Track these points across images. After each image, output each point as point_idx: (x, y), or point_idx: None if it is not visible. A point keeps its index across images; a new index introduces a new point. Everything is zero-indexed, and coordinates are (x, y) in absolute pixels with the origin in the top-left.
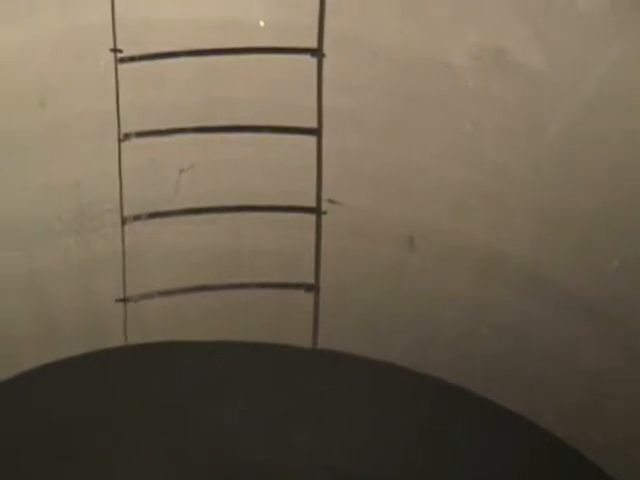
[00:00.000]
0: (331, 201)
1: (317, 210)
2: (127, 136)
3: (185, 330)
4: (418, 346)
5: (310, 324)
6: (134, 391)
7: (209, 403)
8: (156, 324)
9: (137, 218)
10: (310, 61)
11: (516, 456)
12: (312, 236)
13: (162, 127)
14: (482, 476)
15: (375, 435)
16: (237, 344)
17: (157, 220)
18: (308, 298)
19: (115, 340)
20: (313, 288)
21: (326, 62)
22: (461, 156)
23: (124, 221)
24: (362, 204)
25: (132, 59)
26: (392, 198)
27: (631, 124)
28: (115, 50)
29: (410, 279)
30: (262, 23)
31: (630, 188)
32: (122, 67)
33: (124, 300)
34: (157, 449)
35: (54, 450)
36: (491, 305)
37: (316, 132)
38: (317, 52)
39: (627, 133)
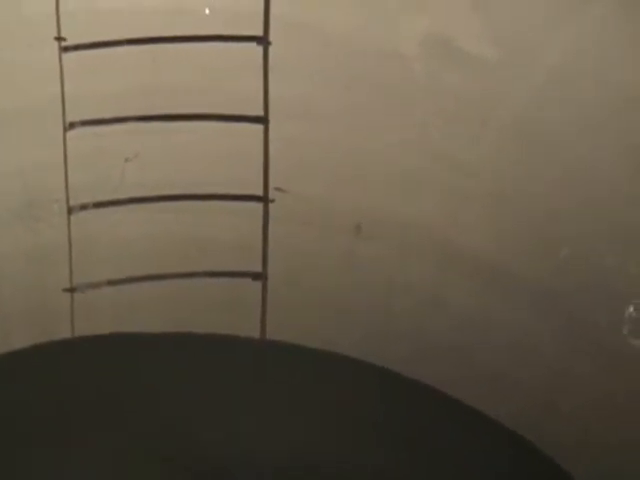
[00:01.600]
0: (278, 189)
1: (264, 199)
2: (72, 125)
3: (133, 320)
4: (370, 337)
5: (258, 314)
6: (81, 384)
7: (156, 395)
8: (104, 314)
9: (83, 207)
10: (256, 49)
11: (471, 450)
12: (260, 225)
13: (107, 116)
14: (434, 468)
15: (324, 428)
16: (185, 335)
17: (103, 209)
18: (256, 287)
19: (63, 330)
20: (261, 277)
21: (273, 50)
22: (412, 145)
23: (70, 210)
24: (310, 192)
25: (76, 47)
26: (341, 186)
27: (581, 111)
28: (59, 39)
29: (361, 269)
30: (207, 11)
31: (581, 175)
32: (66, 56)
33: (71, 290)
34: (104, 442)
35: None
36: (447, 296)
37: (263, 120)
38: (263, 40)
39: (578, 121)
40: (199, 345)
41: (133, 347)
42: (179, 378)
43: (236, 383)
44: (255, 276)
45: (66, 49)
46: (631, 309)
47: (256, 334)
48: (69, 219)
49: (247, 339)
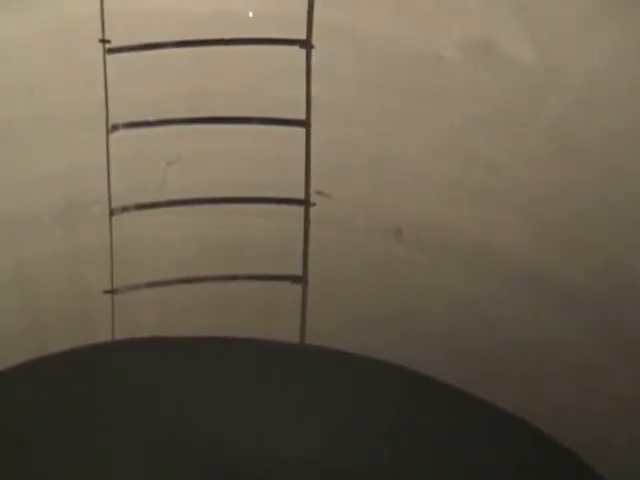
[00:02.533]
0: (319, 193)
1: (305, 202)
2: (115, 127)
3: (172, 323)
4: (406, 342)
5: (297, 318)
6: (121, 388)
7: (196, 400)
8: (144, 316)
9: (125, 209)
10: (299, 52)
11: (505, 454)
12: (300, 228)
13: (150, 118)
14: (472, 474)
15: (362, 432)
16: (224, 340)
17: (145, 212)
18: (296, 291)
19: (102, 333)
20: (301, 280)
21: (315, 53)
22: (450, 150)
23: (112, 212)
24: (351, 196)
25: (120, 50)
26: (381, 191)
27: (619, 117)
28: (104, 41)
29: (399, 273)
30: (251, 14)
31: (616, 181)
32: (110, 58)
33: (112, 292)
34: (145, 446)
35: (39, 446)
36: (481, 300)
37: (305, 124)
38: (306, 43)
39: (615, 126)
40: (238, 350)
41: (172, 351)
42: (218, 383)
43: (275, 388)
44: (295, 280)
45: (110, 51)
46: None
47: (295, 338)
48: (111, 221)
49: (286, 344)
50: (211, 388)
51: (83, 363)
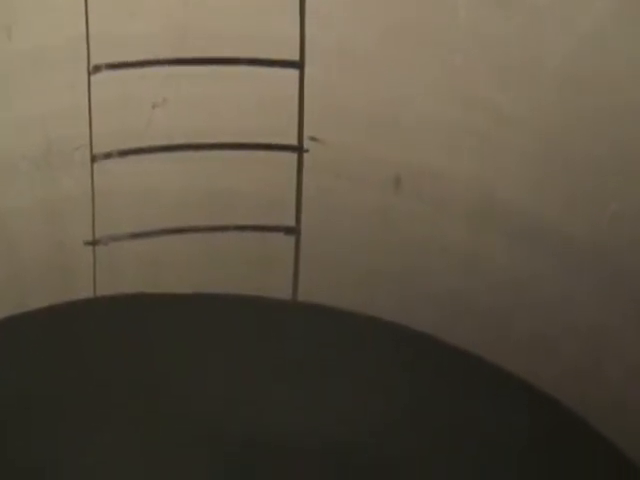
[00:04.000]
0: (313, 139)
1: (298, 148)
2: (97, 68)
3: (158, 277)
4: (405, 299)
5: (290, 271)
6: (103, 349)
7: (183, 362)
8: (127, 269)
9: (107, 156)
10: None
11: (512, 418)
12: (293, 176)
13: (134, 59)
14: (475, 439)
15: (359, 395)
16: (212, 297)
17: (128, 158)
18: (289, 242)
19: (83, 285)
20: (294, 231)
21: None
22: (452, 93)
23: (93, 159)
24: (346, 142)
25: None
26: (378, 137)
27: (633, 58)
28: None
29: (397, 225)
30: None
31: (630, 126)
32: None
33: (93, 243)
34: (129, 409)
35: (19, 410)
36: (485, 256)
37: (298, 65)
38: None
39: (627, 68)
40: (227, 307)
41: (157, 309)
42: (205, 343)
43: (266, 348)
44: (288, 231)
45: None
46: None
47: (288, 293)
48: (92, 168)
49: (278, 301)
50: (199, 349)
51: (63, 321)
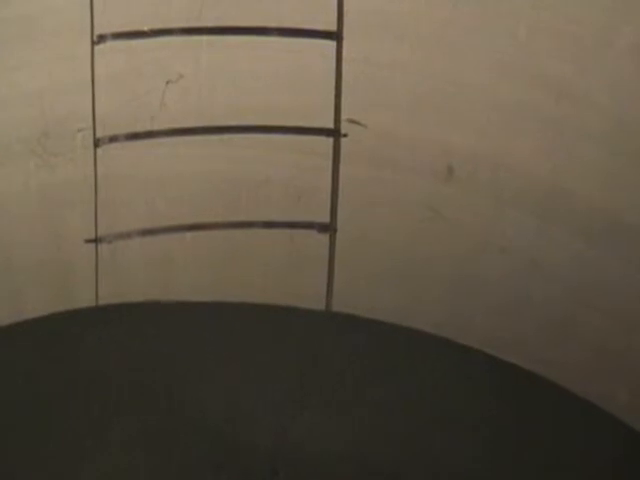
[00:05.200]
0: (352, 121)
1: (335, 132)
2: (102, 38)
3: (171, 282)
4: (457, 309)
5: (323, 276)
6: (102, 365)
7: (198, 380)
8: (135, 273)
9: (113, 139)
10: None
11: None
12: (328, 165)
13: (145, 27)
14: (540, 458)
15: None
16: (232, 306)
17: (138, 142)
18: (322, 241)
19: (84, 293)
20: (328, 229)
21: None
22: (513, 69)
23: (97, 143)
24: (390, 126)
25: None
26: (427, 120)
27: None
28: None
29: (448, 222)
30: None
31: None
32: None
33: (95, 241)
34: (140, 430)
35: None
36: (551, 257)
37: (336, 36)
38: None
39: None
40: (250, 319)
41: (169, 320)
42: (223, 359)
43: (296, 365)
44: (321, 228)
45: None
46: None
47: (320, 301)
48: (95, 153)
49: (310, 312)
50: (215, 367)
51: (62, 333)
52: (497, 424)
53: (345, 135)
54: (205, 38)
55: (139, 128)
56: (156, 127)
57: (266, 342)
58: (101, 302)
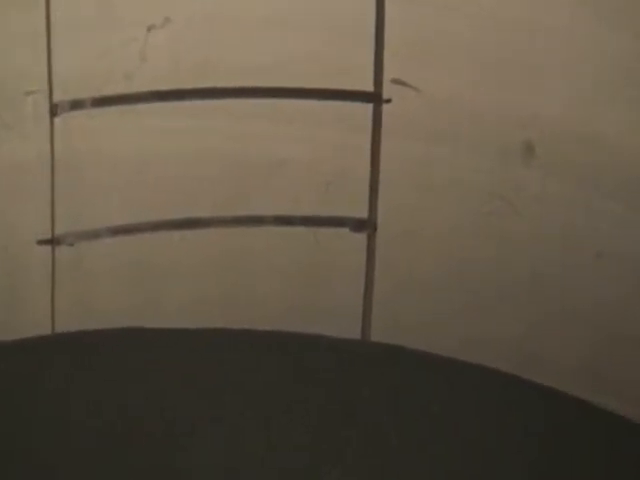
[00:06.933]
0: (398, 82)
1: (375, 97)
2: None
3: (152, 296)
4: (538, 335)
5: (359, 288)
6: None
7: (197, 440)
8: (104, 284)
9: (76, 105)
10: None
11: None
12: (366, 139)
13: None
14: None
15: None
16: (233, 334)
17: (109, 110)
18: (357, 242)
19: (36, 310)
20: (366, 226)
21: None
22: (602, 23)
23: (54, 110)
24: (449, 89)
25: None
26: (499, 81)
27: None
28: None
29: (524, 215)
30: None
31: None
32: None
33: (52, 242)
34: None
35: None
36: None
37: None
38: None
39: None
40: (258, 353)
41: (153, 353)
42: (222, 406)
43: (317, 410)
44: (357, 225)
45: None
46: None
47: (355, 325)
48: (52, 124)
49: (343, 342)
50: (218, 419)
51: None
52: None
53: (388, 101)
54: None
55: (111, 90)
56: (134, 89)
57: (282, 384)
58: (59, 325)
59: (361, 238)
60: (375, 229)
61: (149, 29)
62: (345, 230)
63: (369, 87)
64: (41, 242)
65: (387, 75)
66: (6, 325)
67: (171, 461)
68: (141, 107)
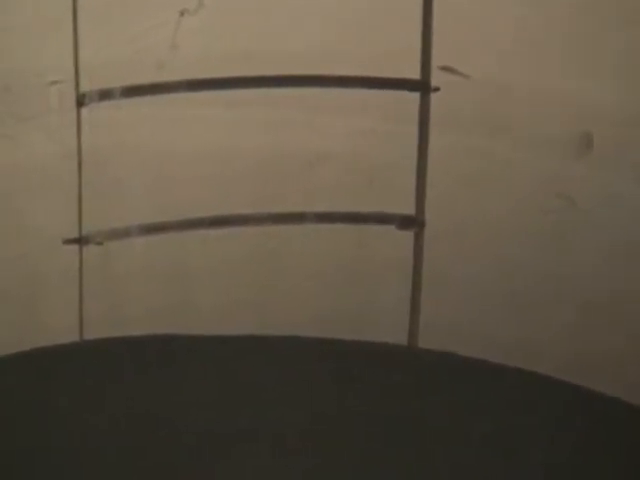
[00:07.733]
0: (447, 69)
1: (423, 85)
2: None
3: (185, 298)
4: (583, 338)
5: (406, 288)
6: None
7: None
8: (134, 285)
9: (104, 96)
10: None
11: None
12: (413, 132)
13: None
14: None
15: None
16: (268, 340)
17: (139, 100)
18: (403, 240)
19: (62, 310)
20: (413, 223)
21: None
22: None
23: (81, 100)
24: (501, 76)
25: None
26: (556, 67)
27: None
28: None
29: (587, 212)
30: None
31: None
32: None
33: (79, 240)
34: None
35: None
36: None
37: None
38: None
39: None
40: (304, 357)
41: (188, 362)
42: (269, 419)
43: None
44: (403, 222)
45: None
46: None
47: (402, 331)
48: (79, 116)
49: (387, 348)
50: (255, 434)
51: (40, 376)
52: None
53: (437, 89)
54: None
55: (141, 80)
56: (165, 78)
57: (327, 394)
58: (87, 329)
59: (408, 236)
60: (423, 226)
61: (182, 13)
62: (391, 227)
63: (416, 75)
64: (68, 241)
65: (435, 62)
66: (31, 331)
67: (210, 476)
68: (172, 97)
